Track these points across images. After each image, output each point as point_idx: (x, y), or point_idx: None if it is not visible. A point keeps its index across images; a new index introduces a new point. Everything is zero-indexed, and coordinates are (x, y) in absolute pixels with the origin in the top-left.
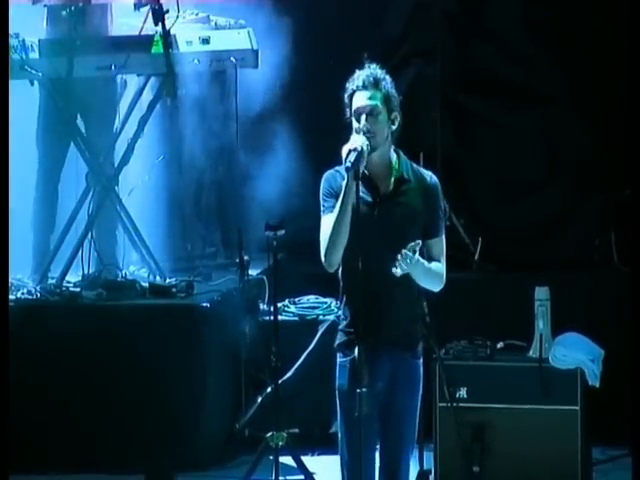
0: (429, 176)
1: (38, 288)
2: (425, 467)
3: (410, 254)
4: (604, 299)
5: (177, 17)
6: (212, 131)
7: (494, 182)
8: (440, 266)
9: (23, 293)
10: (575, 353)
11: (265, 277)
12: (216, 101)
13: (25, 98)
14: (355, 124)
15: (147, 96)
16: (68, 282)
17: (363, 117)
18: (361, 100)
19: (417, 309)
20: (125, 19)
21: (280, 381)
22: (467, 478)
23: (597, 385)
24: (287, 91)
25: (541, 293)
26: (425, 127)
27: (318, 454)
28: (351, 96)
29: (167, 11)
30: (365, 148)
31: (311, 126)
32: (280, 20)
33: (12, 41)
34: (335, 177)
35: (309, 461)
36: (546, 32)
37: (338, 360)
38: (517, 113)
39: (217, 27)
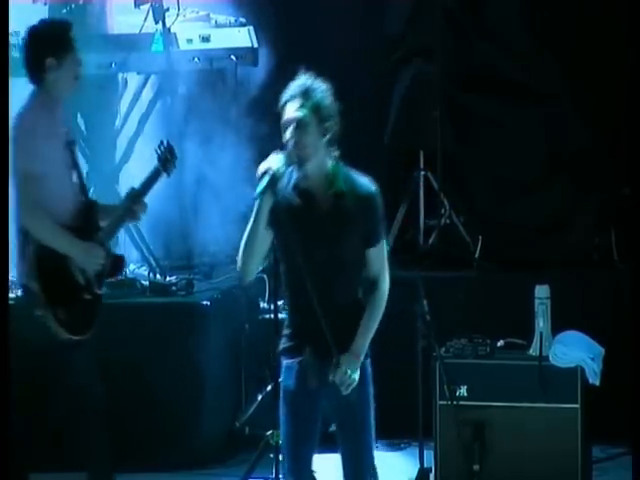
0: (366, 185)
1: None
2: (425, 465)
3: (347, 378)
4: (604, 297)
5: (177, 15)
6: (212, 129)
7: (494, 181)
8: (375, 305)
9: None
10: (575, 351)
11: (265, 275)
12: (216, 99)
13: (25, 97)
14: (283, 137)
15: (147, 94)
16: None
17: (290, 129)
18: (289, 112)
19: (361, 312)
20: (125, 17)
21: (280, 380)
22: (467, 476)
23: (597, 383)
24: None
25: (541, 291)
26: (425, 126)
27: (318, 452)
28: (282, 108)
29: (167, 9)
30: (280, 169)
31: None
32: (280, 19)
33: (12, 39)
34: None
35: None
36: (546, 31)
37: (284, 362)
38: (517, 112)
39: (217, 25)
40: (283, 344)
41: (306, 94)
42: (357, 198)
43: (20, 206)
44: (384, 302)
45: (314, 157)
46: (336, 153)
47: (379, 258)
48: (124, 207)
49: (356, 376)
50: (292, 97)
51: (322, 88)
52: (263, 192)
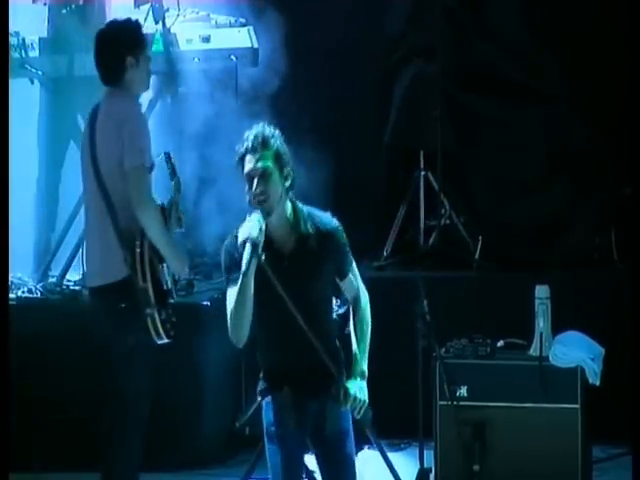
0: (327, 222)
1: (39, 286)
2: (425, 466)
3: (358, 402)
4: (604, 297)
5: (177, 15)
6: (212, 129)
7: (494, 181)
8: (362, 320)
9: (24, 292)
10: (575, 351)
11: None
12: (216, 99)
13: (25, 97)
14: (247, 190)
15: (147, 94)
16: (69, 281)
17: (255, 181)
18: (251, 163)
19: (333, 347)
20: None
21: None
22: (467, 476)
23: (597, 383)
24: (286, 90)
25: (541, 291)
26: (425, 126)
27: None
28: (241, 159)
29: (167, 9)
30: (259, 236)
31: (311, 125)
32: (280, 20)
33: (12, 40)
34: (235, 247)
35: (309, 460)
36: (546, 31)
37: (264, 402)
38: (517, 112)
39: (217, 25)
40: (261, 385)
41: (265, 144)
42: (321, 237)
43: (136, 199)
44: (369, 315)
45: (278, 205)
46: (291, 195)
47: (354, 282)
48: (176, 216)
49: (365, 397)
50: (252, 148)
51: (277, 135)
52: (249, 266)
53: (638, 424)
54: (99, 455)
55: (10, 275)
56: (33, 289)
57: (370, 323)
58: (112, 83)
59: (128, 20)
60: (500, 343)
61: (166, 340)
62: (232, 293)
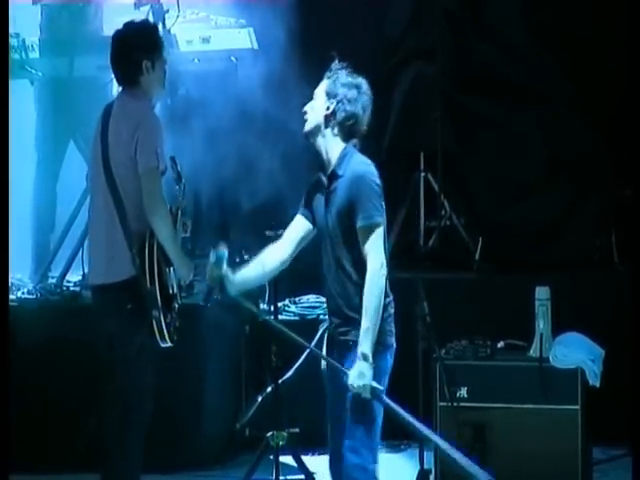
0: (358, 167)
1: (38, 288)
2: (425, 467)
3: (360, 386)
4: (604, 299)
5: (177, 16)
6: (212, 130)
7: (494, 182)
8: (370, 282)
9: (23, 293)
10: (575, 353)
11: None
12: (216, 100)
13: (25, 98)
14: None
15: None
16: (68, 282)
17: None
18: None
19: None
20: (125, 18)
21: (280, 381)
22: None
23: (597, 385)
24: (287, 91)
25: (541, 293)
26: (426, 127)
27: (318, 454)
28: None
29: (167, 10)
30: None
31: None
32: (280, 20)
33: (12, 41)
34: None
35: (309, 461)
36: (546, 32)
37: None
38: (518, 113)
39: (217, 26)
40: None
41: (329, 74)
42: (347, 181)
43: (149, 201)
44: (376, 286)
45: (315, 133)
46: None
47: (366, 240)
48: (181, 222)
49: (364, 381)
50: (325, 75)
51: (343, 77)
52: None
53: (638, 425)
54: (99, 456)
55: (10, 276)
56: (33, 290)
57: (377, 295)
58: (127, 85)
59: (145, 22)
60: (500, 344)
61: (169, 344)
62: None
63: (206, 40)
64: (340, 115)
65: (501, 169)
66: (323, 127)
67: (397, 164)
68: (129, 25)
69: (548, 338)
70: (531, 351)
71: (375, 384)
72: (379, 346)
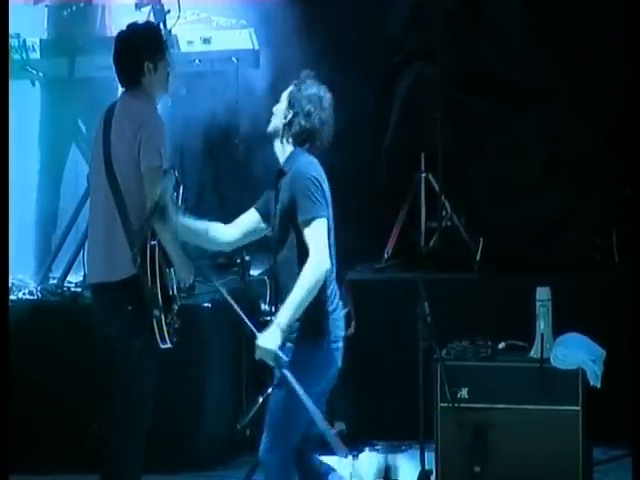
0: (300, 163)
1: (39, 288)
2: (426, 467)
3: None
4: (605, 299)
5: (178, 17)
6: (213, 130)
7: (495, 182)
8: (304, 276)
9: (24, 293)
10: (576, 353)
11: (266, 277)
12: (217, 101)
13: (26, 98)
14: None
15: None
16: (69, 282)
17: None
18: None
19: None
20: (126, 19)
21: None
22: (468, 478)
23: (598, 385)
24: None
25: (542, 293)
26: (426, 128)
27: (319, 454)
28: None
29: (168, 11)
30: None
31: None
32: (280, 21)
33: (13, 41)
34: None
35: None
36: (546, 32)
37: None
38: (518, 113)
39: (218, 27)
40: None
41: (296, 83)
42: (290, 176)
43: (152, 201)
44: (307, 280)
45: (275, 135)
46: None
47: (307, 239)
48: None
49: (269, 345)
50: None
51: (307, 87)
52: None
53: (638, 426)
54: (100, 456)
55: (11, 277)
56: (34, 291)
57: (306, 289)
58: (129, 85)
59: (149, 24)
60: (501, 345)
61: (169, 345)
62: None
63: (207, 41)
64: (295, 128)
65: (502, 169)
66: (280, 133)
67: (398, 165)
68: (132, 26)
69: (549, 339)
70: (532, 352)
71: (281, 354)
72: (313, 342)
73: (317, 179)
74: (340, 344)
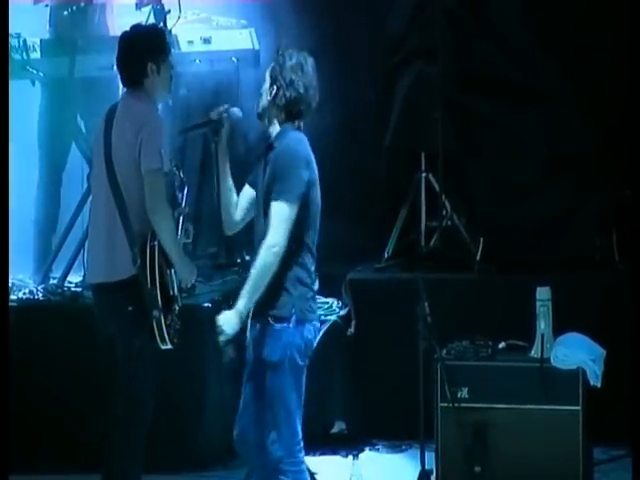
0: (288, 139)
1: (40, 288)
2: (426, 467)
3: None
4: (605, 299)
5: (179, 17)
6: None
7: (495, 182)
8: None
9: (25, 293)
10: (576, 353)
11: None
12: (217, 101)
13: (26, 98)
14: None
15: None
16: (70, 282)
17: None
18: None
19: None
20: (127, 19)
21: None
22: (468, 478)
23: (598, 385)
24: None
25: (542, 293)
26: (426, 127)
27: (319, 454)
28: None
29: (169, 11)
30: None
31: (311, 127)
32: (280, 21)
33: (13, 41)
34: None
35: (310, 460)
36: (547, 32)
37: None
38: (518, 113)
39: (219, 27)
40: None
41: (276, 57)
42: (276, 152)
43: (152, 202)
44: (263, 260)
45: (264, 114)
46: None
47: (271, 214)
48: (184, 227)
49: (225, 329)
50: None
51: (291, 60)
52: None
53: (638, 426)
54: (100, 456)
55: (11, 277)
56: (34, 291)
57: (259, 270)
58: (131, 86)
59: (153, 26)
60: (501, 345)
61: (169, 346)
62: None
63: (207, 41)
64: (280, 101)
65: (502, 169)
66: (268, 110)
67: (398, 164)
68: (136, 27)
69: (549, 338)
70: (532, 351)
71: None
72: (287, 319)
73: (303, 158)
74: (315, 323)
